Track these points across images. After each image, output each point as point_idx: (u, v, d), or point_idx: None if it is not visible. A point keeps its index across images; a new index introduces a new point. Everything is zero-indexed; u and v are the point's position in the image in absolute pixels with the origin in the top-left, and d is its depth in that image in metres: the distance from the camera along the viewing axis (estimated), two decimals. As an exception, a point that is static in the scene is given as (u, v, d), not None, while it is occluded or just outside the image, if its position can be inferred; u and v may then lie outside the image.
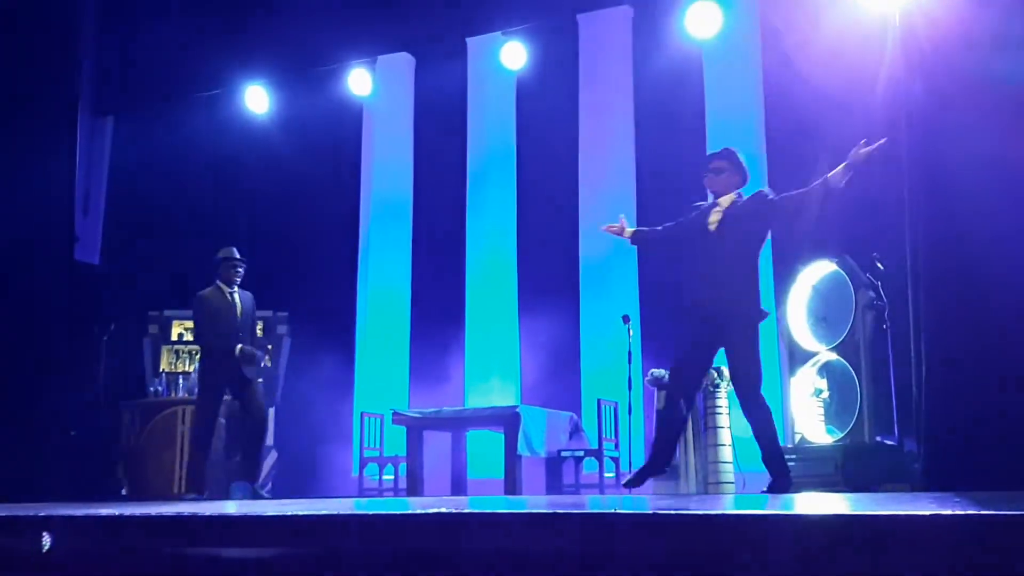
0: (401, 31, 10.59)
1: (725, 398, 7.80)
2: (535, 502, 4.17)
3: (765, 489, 5.65)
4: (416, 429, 8.38)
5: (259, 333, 8.82)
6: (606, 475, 8.30)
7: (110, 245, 11.27)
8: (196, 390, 7.76)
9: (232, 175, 10.97)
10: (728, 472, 7.69)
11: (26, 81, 8.72)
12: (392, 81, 10.99)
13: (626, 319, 8.27)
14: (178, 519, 2.72)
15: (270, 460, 9.48)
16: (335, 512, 2.60)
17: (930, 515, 2.05)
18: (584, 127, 10.11)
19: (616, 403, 8.66)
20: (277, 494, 9.14)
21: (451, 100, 10.61)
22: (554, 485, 8.52)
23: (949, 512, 2.05)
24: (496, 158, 10.54)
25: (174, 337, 10.38)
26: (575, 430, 8.81)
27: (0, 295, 8.19)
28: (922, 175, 6.39)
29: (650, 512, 2.27)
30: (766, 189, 5.96)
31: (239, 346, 7.40)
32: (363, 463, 9.09)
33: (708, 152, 6.66)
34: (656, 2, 9.84)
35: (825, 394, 7.82)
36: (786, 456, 7.54)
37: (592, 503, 3.83)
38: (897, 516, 2.07)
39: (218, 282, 7.60)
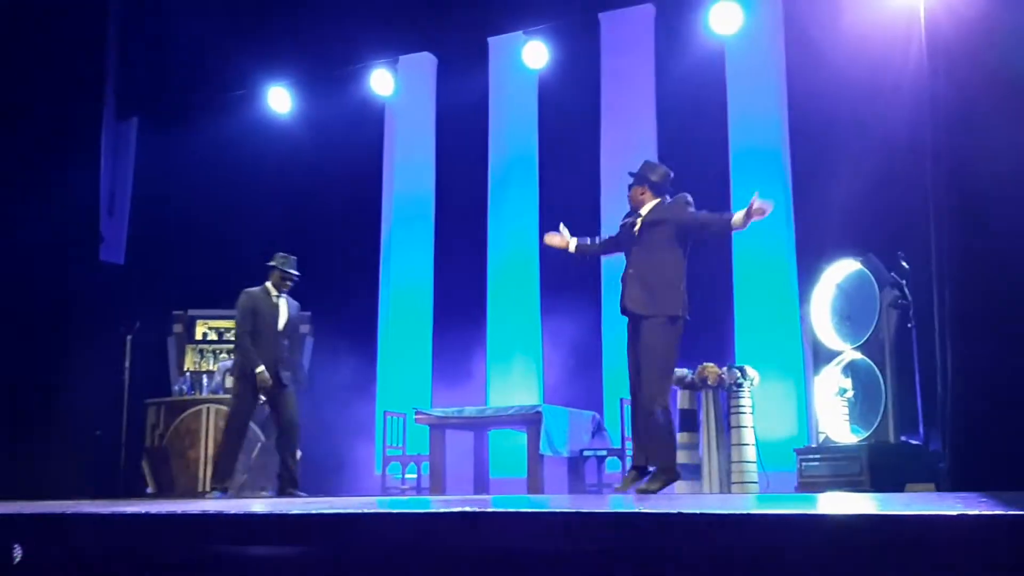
0: (423, 31, 10.60)
1: (748, 397, 7.77)
2: (558, 501, 4.17)
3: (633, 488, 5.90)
4: (439, 428, 8.40)
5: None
6: (629, 474, 8.27)
7: (135, 245, 11.34)
8: (234, 381, 7.64)
9: (255, 175, 11.02)
10: (752, 472, 7.66)
11: (52, 83, 8.79)
12: (414, 81, 11.01)
13: (649, 318, 8.24)
14: (202, 517, 2.74)
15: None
16: (358, 511, 2.60)
17: (957, 515, 2.03)
18: (606, 126, 10.10)
19: (639, 402, 8.63)
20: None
21: (473, 99, 10.62)
22: (576, 484, 8.52)
23: (976, 512, 2.03)
24: (518, 157, 10.54)
25: (198, 336, 10.44)
26: (597, 429, 8.80)
27: (27, 295, 8.26)
28: (947, 171, 6.33)
29: (674, 512, 2.26)
30: (685, 196, 6.14)
31: (259, 369, 7.31)
32: (386, 462, 9.11)
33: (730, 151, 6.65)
34: (678, 0, 9.81)
35: (850, 393, 7.77)
36: (811, 456, 7.53)
37: (615, 503, 3.82)
38: (923, 516, 2.06)
39: (268, 284, 7.58)
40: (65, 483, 8.29)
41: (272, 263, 7.57)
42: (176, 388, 10.04)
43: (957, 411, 6.01)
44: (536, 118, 10.48)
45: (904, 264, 7.20)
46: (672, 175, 6.24)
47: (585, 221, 10.00)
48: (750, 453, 7.68)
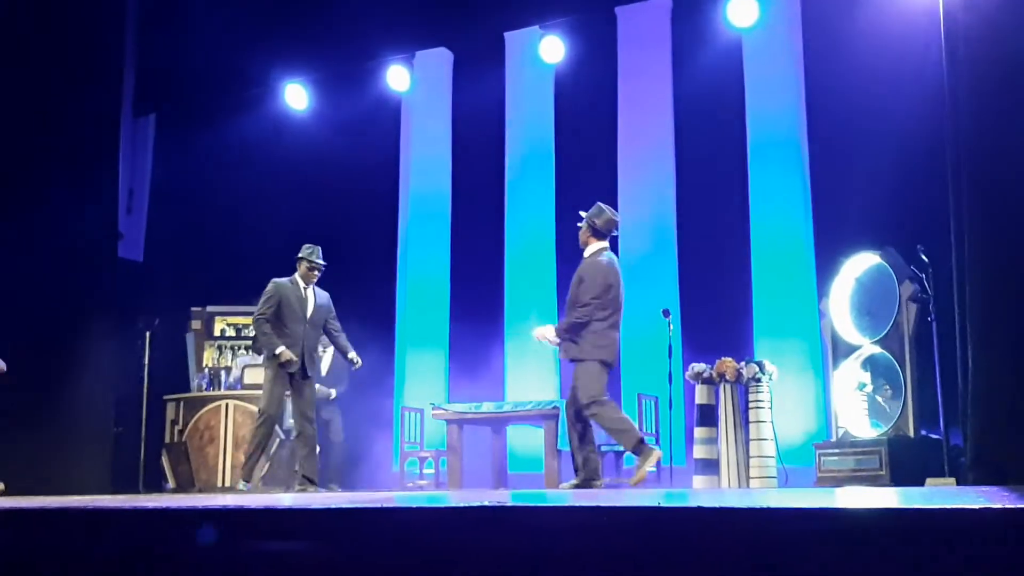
0: (439, 27, 10.60)
1: (767, 391, 7.74)
2: (576, 496, 4.17)
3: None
4: (456, 424, 8.41)
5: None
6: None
7: (154, 242, 11.40)
8: (264, 369, 7.60)
9: (273, 171, 11.05)
10: (771, 467, 7.64)
11: (70, 81, 8.83)
12: (430, 76, 11.01)
13: (666, 313, 8.24)
14: (221, 512, 2.75)
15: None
16: (376, 506, 2.61)
17: (980, 509, 2.01)
18: (623, 120, 10.07)
19: (656, 397, 8.63)
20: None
21: (489, 95, 10.61)
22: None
23: (999, 506, 2.02)
24: (534, 152, 10.53)
25: (217, 332, 10.48)
26: (615, 424, 8.78)
27: (46, 292, 8.30)
28: (968, 166, 6.29)
29: (694, 506, 2.26)
30: (590, 264, 6.60)
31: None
32: (404, 457, 9.13)
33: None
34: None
35: (869, 387, 7.74)
36: (831, 450, 7.51)
37: (634, 498, 3.81)
38: (945, 510, 2.05)
39: (296, 275, 7.64)
40: (85, 479, 8.33)
41: (300, 255, 7.62)
42: (195, 384, 10.09)
43: (978, 405, 5.98)
44: (552, 113, 10.46)
45: (924, 257, 7.16)
46: (618, 222, 6.70)
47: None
48: (769, 448, 7.65)
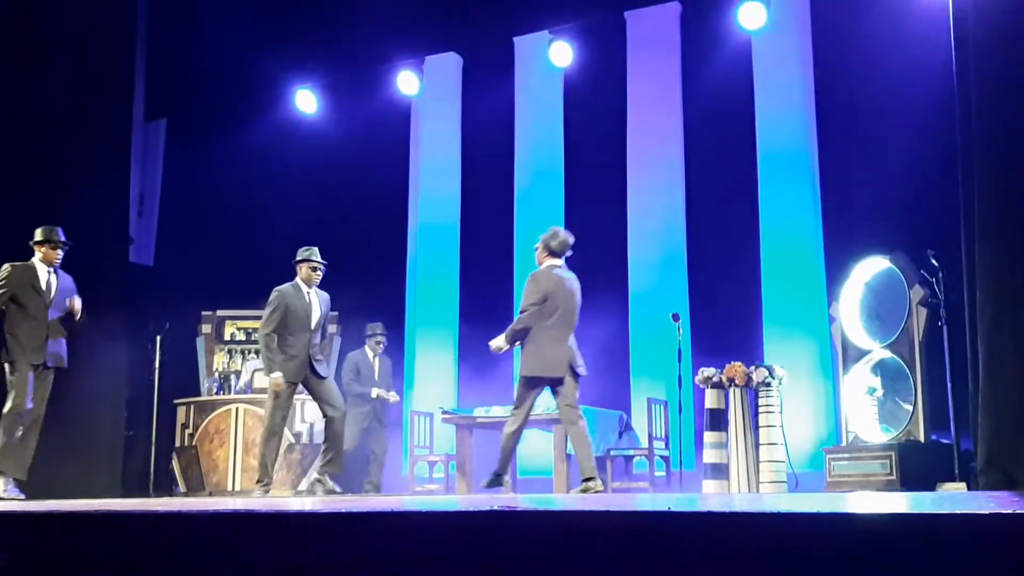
0: (449, 31, 10.63)
1: (777, 396, 7.73)
2: (585, 501, 4.17)
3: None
4: (465, 428, 8.42)
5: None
6: (656, 474, 8.26)
7: (164, 246, 11.44)
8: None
9: (283, 176, 11.08)
10: (780, 471, 7.62)
11: (82, 86, 8.87)
12: (440, 81, 11.03)
13: (676, 317, 8.23)
14: (232, 516, 2.76)
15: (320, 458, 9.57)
16: (387, 510, 2.61)
17: (990, 514, 2.01)
18: (632, 124, 10.07)
19: (666, 402, 8.62)
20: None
21: (499, 99, 10.63)
22: (604, 484, 8.50)
23: (1010, 512, 2.02)
24: (543, 156, 10.53)
25: (227, 336, 10.50)
26: (625, 429, 8.79)
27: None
28: (978, 169, 6.28)
29: (704, 511, 2.26)
30: (532, 277, 6.87)
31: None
32: (413, 461, 9.14)
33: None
34: (704, -2, 9.78)
35: (879, 392, 7.72)
36: (841, 455, 7.49)
37: (642, 502, 3.81)
38: (955, 516, 2.04)
39: (298, 280, 7.56)
40: (96, 482, 8.36)
41: (299, 258, 7.56)
42: (205, 388, 10.11)
43: (988, 409, 5.96)
44: (562, 117, 10.47)
45: (934, 262, 7.14)
46: (571, 243, 6.92)
47: (611, 220, 10.00)
48: (779, 452, 7.64)
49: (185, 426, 9.67)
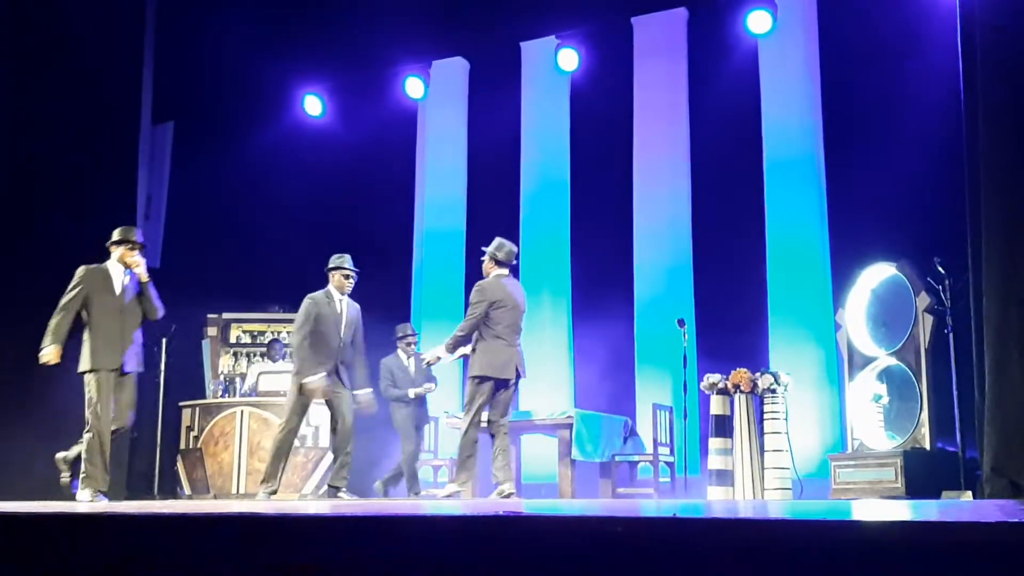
0: (456, 36, 10.64)
1: (782, 402, 7.71)
2: (589, 506, 4.16)
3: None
4: (471, 432, 8.39)
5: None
6: (661, 480, 8.25)
7: (171, 249, 11.45)
8: (292, 381, 7.47)
9: (289, 179, 11.11)
10: (786, 478, 7.60)
11: (90, 89, 8.90)
12: (447, 85, 11.05)
13: (681, 323, 8.22)
14: (236, 519, 2.76)
15: (325, 463, 9.57)
16: (391, 514, 2.61)
17: (995, 523, 2.01)
18: (639, 129, 10.08)
19: (671, 408, 8.62)
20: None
21: (505, 104, 10.64)
22: (608, 489, 8.49)
23: (1015, 520, 2.01)
24: (550, 161, 10.54)
25: (233, 339, 10.52)
26: (630, 435, 8.78)
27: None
28: (985, 176, 6.27)
29: (708, 518, 2.26)
30: (478, 286, 7.08)
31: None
32: (419, 465, 9.12)
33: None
34: (711, 4, 9.78)
35: (885, 399, 7.71)
36: (846, 462, 7.48)
37: (647, 508, 3.81)
38: (960, 524, 2.04)
39: (330, 287, 7.51)
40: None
41: (331, 265, 7.45)
42: (210, 390, 10.12)
43: (995, 418, 5.95)
44: (568, 122, 10.48)
45: (940, 269, 7.13)
46: (517, 252, 7.27)
47: (617, 225, 10.01)
48: (784, 459, 7.62)
49: (190, 429, 9.68)
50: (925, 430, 7.29)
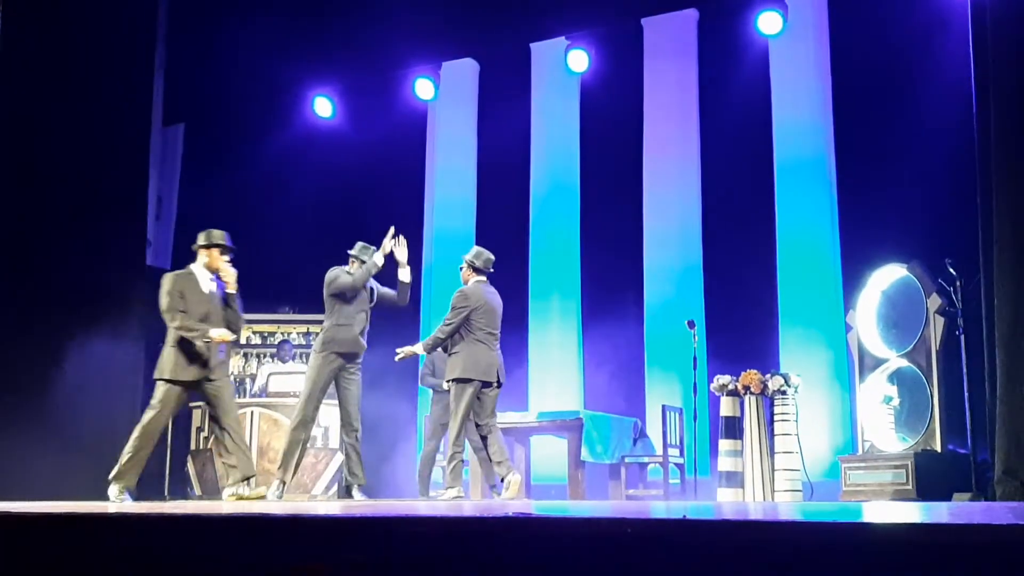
0: (465, 37, 10.65)
1: (792, 404, 7.70)
2: (599, 508, 4.16)
3: None
4: (480, 433, 8.39)
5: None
6: (671, 481, 8.24)
7: (182, 249, 11.46)
8: (313, 355, 7.49)
9: (299, 180, 11.12)
10: (796, 480, 7.59)
11: (101, 89, 8.93)
12: (456, 86, 11.05)
13: (691, 324, 8.21)
14: (245, 520, 2.76)
15: (335, 463, 9.58)
16: (399, 515, 2.61)
17: (1007, 525, 2.00)
18: (649, 131, 10.06)
19: (681, 409, 8.60)
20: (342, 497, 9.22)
21: (515, 105, 10.64)
22: (618, 491, 8.49)
23: (1027, 523, 2.00)
24: (560, 162, 10.53)
25: (243, 340, 10.53)
26: (640, 436, 8.77)
27: (74, 299, 8.38)
28: (997, 177, 6.25)
29: (719, 519, 2.25)
30: (459, 293, 7.37)
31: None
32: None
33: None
34: (722, 5, 9.77)
35: (896, 401, 7.68)
36: (856, 464, 7.46)
37: (657, 510, 3.80)
38: (972, 526, 2.03)
39: (351, 268, 7.65)
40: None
41: (353, 252, 7.69)
42: (221, 391, 10.11)
43: (1006, 420, 5.93)
44: (578, 123, 10.47)
45: (951, 270, 7.11)
46: (494, 259, 7.48)
47: (627, 226, 10.00)
48: (794, 461, 7.61)
49: (200, 429, 9.70)
50: (936, 432, 7.26)
